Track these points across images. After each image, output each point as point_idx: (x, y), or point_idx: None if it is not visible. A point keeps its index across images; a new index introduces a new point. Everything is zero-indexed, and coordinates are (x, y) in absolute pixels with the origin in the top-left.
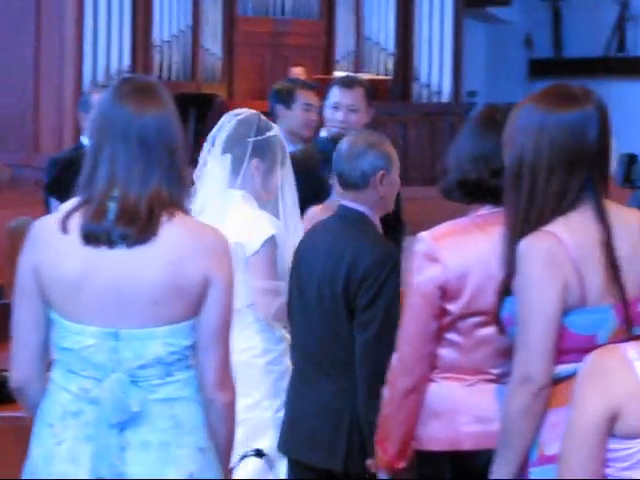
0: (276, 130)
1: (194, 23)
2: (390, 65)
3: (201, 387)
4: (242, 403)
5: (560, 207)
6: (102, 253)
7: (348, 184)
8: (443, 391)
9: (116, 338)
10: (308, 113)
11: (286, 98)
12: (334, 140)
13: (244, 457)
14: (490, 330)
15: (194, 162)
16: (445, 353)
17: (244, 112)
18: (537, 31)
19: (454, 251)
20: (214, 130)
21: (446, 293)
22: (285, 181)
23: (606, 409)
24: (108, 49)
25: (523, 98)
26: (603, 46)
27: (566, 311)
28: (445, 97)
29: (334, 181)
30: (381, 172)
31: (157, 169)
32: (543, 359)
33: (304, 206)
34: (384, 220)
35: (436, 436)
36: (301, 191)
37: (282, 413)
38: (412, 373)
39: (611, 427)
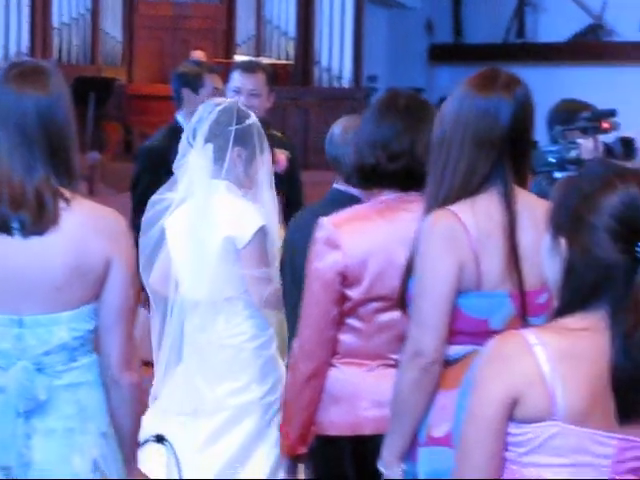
0: (254, 117)
1: (94, 6)
2: (291, 49)
3: (105, 369)
4: (231, 387)
5: (466, 188)
6: (2, 240)
7: (342, 169)
8: (343, 376)
9: (20, 325)
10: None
11: (194, 82)
12: None
13: (145, 442)
14: (390, 316)
15: (96, 145)
16: (345, 338)
17: (223, 101)
18: (438, 16)
19: (354, 237)
20: (193, 121)
21: (346, 279)
22: (264, 167)
23: (506, 394)
24: (6, 31)
25: (424, 83)
26: (503, 32)
27: (461, 292)
28: (346, 82)
29: None
30: None
31: (41, 155)
32: (434, 334)
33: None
34: (285, 204)
35: (337, 421)
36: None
37: (269, 398)
38: (313, 358)
39: (511, 412)
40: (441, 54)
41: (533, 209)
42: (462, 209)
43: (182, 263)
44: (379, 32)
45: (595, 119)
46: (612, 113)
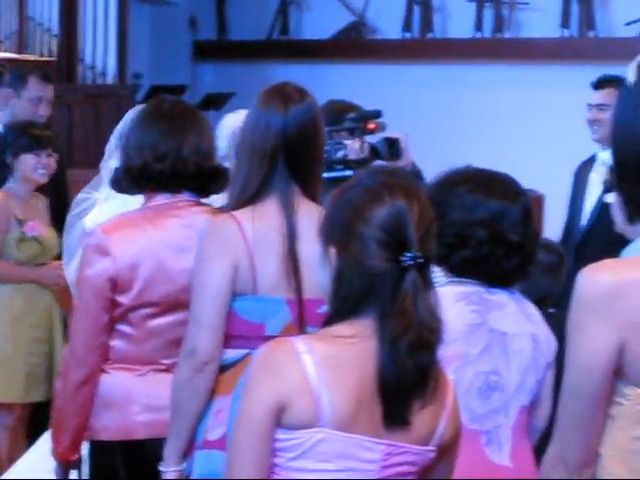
0: None
1: None
2: (54, 46)
3: None
4: None
5: (247, 195)
6: None
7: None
8: (115, 381)
9: None
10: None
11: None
12: None
13: None
14: (161, 321)
15: None
16: (116, 344)
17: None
18: (202, 13)
19: (124, 244)
20: (120, 124)
21: (117, 285)
22: None
23: (273, 400)
24: None
25: (188, 79)
26: (267, 29)
27: (237, 295)
28: (110, 79)
29: None
30: None
31: None
32: (209, 334)
33: None
34: (52, 206)
35: (109, 426)
36: None
37: None
38: (84, 365)
39: (278, 418)
40: (205, 51)
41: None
42: (243, 214)
43: None
44: (143, 28)
45: (361, 120)
46: (377, 114)
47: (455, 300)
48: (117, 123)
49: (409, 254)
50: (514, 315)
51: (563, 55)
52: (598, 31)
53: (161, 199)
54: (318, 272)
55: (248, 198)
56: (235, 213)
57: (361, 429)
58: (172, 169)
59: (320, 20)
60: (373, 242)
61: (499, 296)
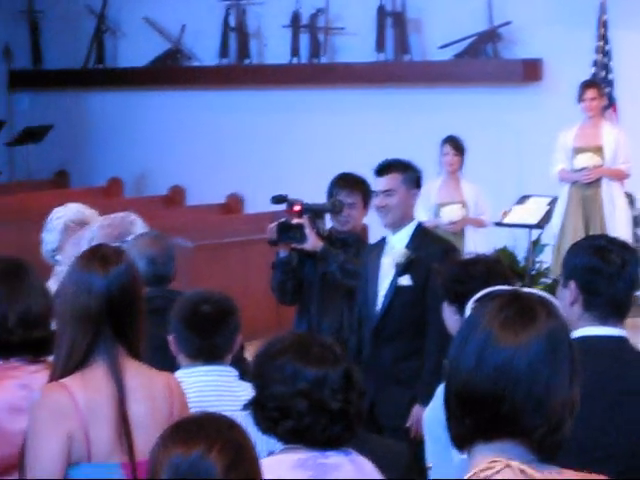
0: None
1: None
2: None
3: None
4: None
5: (74, 361)
6: None
7: None
8: None
9: None
10: None
11: None
12: None
13: None
14: None
15: None
16: None
17: None
18: (15, 41)
19: None
20: None
21: None
22: None
23: None
24: None
25: (4, 110)
26: (83, 57)
27: (71, 464)
28: None
29: None
30: None
31: None
32: None
33: None
34: None
35: None
36: None
37: None
38: None
39: None
40: (20, 80)
41: (147, 379)
42: (73, 381)
43: None
44: None
45: None
46: None
47: (292, 467)
48: None
49: None
50: (350, 474)
51: (379, 79)
52: (413, 55)
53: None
54: None
55: (75, 364)
56: (65, 381)
57: None
58: None
59: (136, 48)
60: None
61: (333, 458)
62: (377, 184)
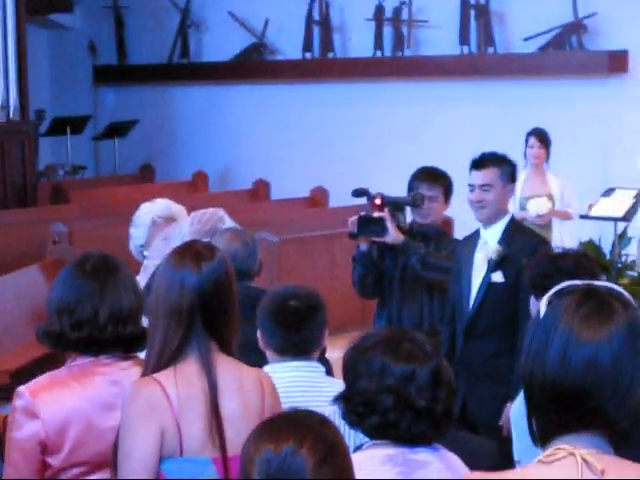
0: None
1: None
2: None
3: None
4: None
5: (166, 356)
6: None
7: None
8: None
9: None
10: None
11: None
12: None
13: None
14: (93, 477)
15: None
16: None
17: None
18: (100, 37)
19: (52, 405)
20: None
21: (47, 447)
22: None
23: None
24: None
25: (90, 105)
26: (167, 52)
27: (164, 458)
28: (14, 114)
29: None
30: None
31: None
32: None
33: None
34: None
35: None
36: None
37: None
38: None
39: None
40: (106, 75)
41: (238, 375)
42: (165, 376)
43: None
44: (41, 57)
45: None
46: None
47: (381, 463)
48: (21, 159)
49: None
50: (439, 472)
51: (463, 71)
52: (497, 47)
53: (82, 359)
54: None
55: (168, 359)
56: (158, 376)
57: None
58: (88, 337)
59: (220, 42)
60: None
61: (422, 455)
62: (473, 178)
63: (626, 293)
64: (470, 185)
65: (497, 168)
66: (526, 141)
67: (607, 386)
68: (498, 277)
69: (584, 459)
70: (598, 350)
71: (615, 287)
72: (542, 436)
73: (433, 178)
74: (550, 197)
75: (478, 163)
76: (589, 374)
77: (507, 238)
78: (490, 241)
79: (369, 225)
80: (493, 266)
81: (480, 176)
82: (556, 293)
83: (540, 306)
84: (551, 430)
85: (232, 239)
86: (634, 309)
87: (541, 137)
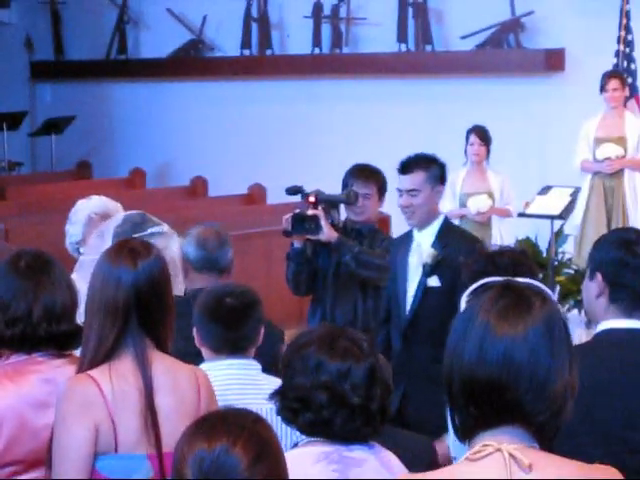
0: None
1: None
2: None
3: None
4: None
5: (101, 353)
6: None
7: None
8: None
9: None
10: None
11: None
12: None
13: None
14: (25, 477)
15: None
16: None
17: None
18: (37, 33)
19: None
20: None
21: None
22: None
23: None
24: None
25: (27, 101)
26: (105, 48)
27: (98, 455)
28: None
29: None
30: None
31: None
32: None
33: None
34: None
35: None
36: None
37: None
38: None
39: None
40: (42, 71)
41: (173, 372)
42: (100, 372)
43: None
44: None
45: None
46: None
47: (316, 461)
48: None
49: None
50: (375, 469)
51: (401, 69)
52: (435, 45)
53: (16, 357)
54: None
55: (103, 357)
56: (92, 373)
57: None
58: (22, 335)
59: (158, 39)
60: None
61: (358, 452)
62: (401, 182)
63: (546, 288)
64: (398, 190)
65: (424, 171)
66: (467, 138)
67: (523, 380)
68: (434, 282)
69: (511, 454)
70: (514, 344)
71: (534, 282)
72: (463, 430)
73: (367, 175)
74: (490, 194)
75: (405, 167)
76: (505, 368)
77: (441, 240)
78: (424, 244)
79: (303, 223)
80: (428, 271)
81: (407, 180)
82: (476, 289)
83: (461, 302)
84: (471, 424)
85: (204, 231)
86: (552, 304)
87: (481, 134)
